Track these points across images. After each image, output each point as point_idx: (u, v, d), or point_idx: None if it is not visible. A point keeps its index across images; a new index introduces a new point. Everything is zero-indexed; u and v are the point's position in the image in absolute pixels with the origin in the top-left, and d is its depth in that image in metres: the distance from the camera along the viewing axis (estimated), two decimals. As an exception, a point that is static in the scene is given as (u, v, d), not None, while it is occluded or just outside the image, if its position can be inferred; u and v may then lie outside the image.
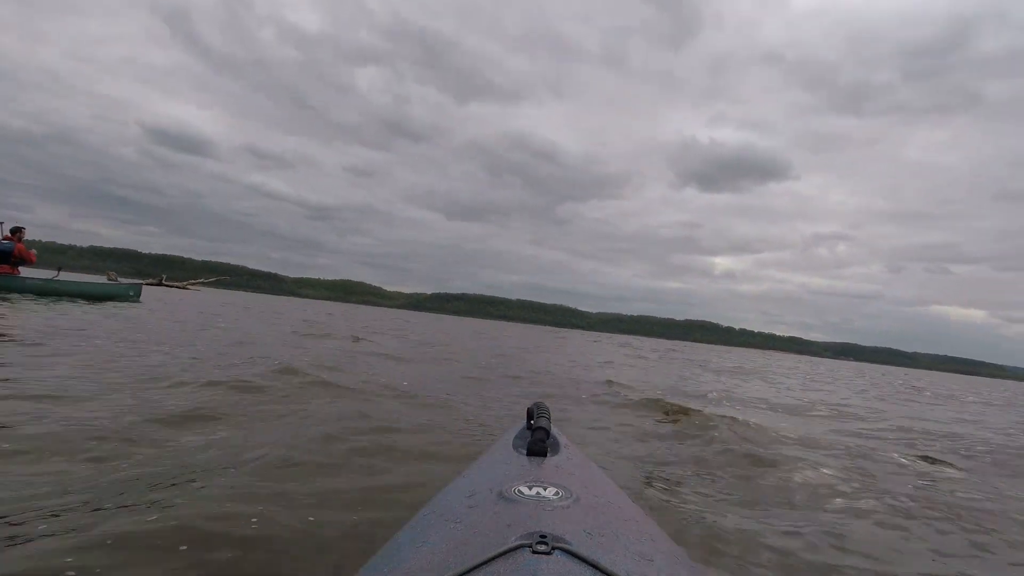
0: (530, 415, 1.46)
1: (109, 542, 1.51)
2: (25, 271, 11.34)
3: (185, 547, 1.54)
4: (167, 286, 18.08)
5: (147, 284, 17.47)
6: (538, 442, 1.27)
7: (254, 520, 1.73)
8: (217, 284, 22.24)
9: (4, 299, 9.49)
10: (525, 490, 0.95)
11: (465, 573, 0.65)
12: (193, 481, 2.01)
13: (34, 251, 11.48)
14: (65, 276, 12.64)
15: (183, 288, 19.90)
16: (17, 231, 11.17)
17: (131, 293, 14.31)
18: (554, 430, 1.43)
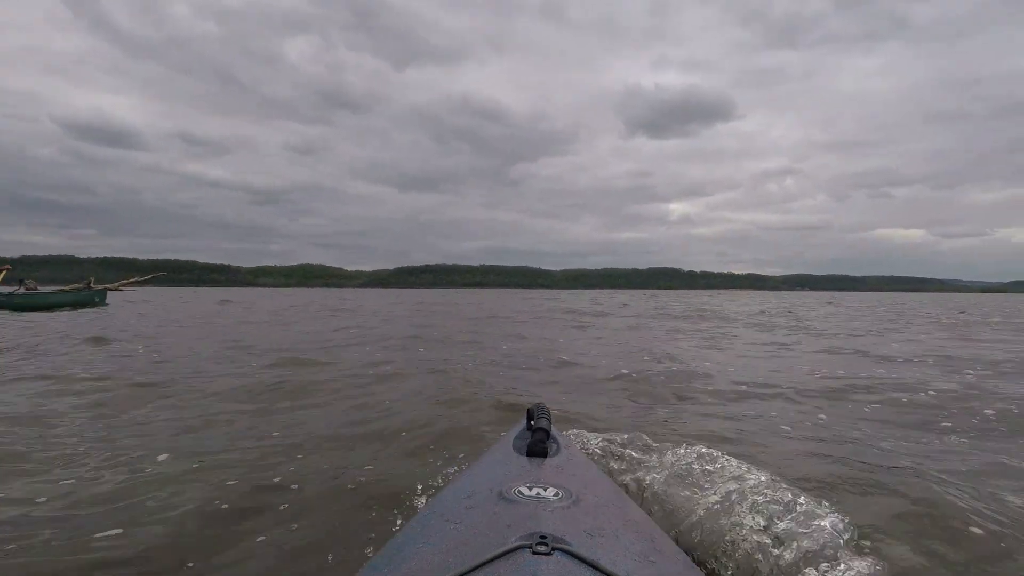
0: (530, 416, 1.46)
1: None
2: None
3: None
4: (95, 290, 16.36)
5: (72, 289, 15.87)
6: (538, 443, 1.27)
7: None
8: (153, 282, 20.46)
9: None
10: (525, 491, 0.95)
11: (465, 574, 0.65)
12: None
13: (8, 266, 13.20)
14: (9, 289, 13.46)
15: (116, 290, 18.15)
16: None
17: (97, 299, 15.84)
18: (554, 431, 1.42)
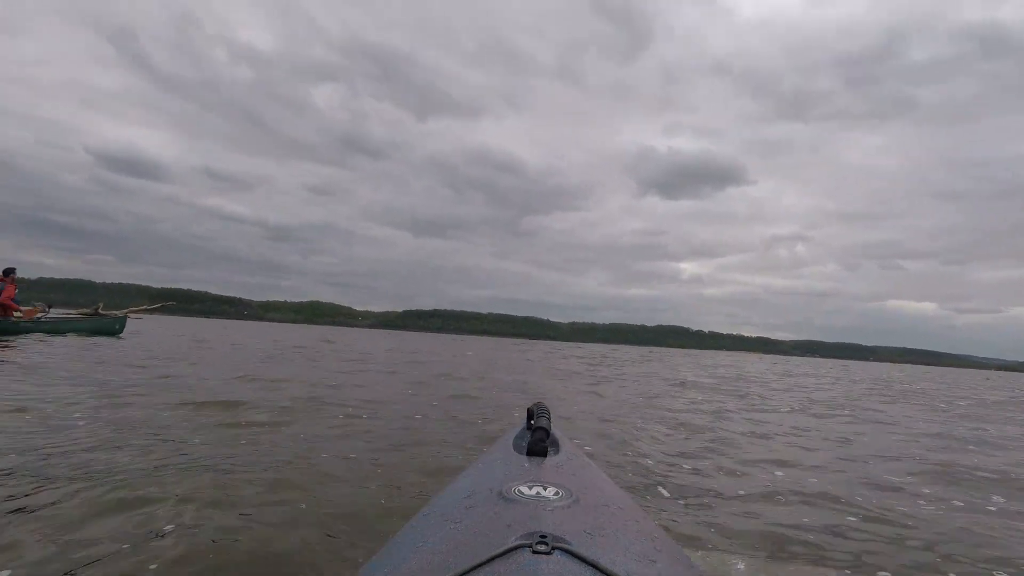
0: (530, 415, 1.44)
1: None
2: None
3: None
4: (103, 315, 16.42)
5: (81, 314, 15.95)
6: (538, 442, 1.26)
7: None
8: (162, 310, 20.57)
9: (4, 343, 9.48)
10: (525, 490, 0.94)
11: (465, 573, 0.65)
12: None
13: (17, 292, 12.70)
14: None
15: (124, 316, 18.22)
16: (9, 272, 11.31)
17: (116, 327, 15.31)
18: (554, 430, 1.40)
